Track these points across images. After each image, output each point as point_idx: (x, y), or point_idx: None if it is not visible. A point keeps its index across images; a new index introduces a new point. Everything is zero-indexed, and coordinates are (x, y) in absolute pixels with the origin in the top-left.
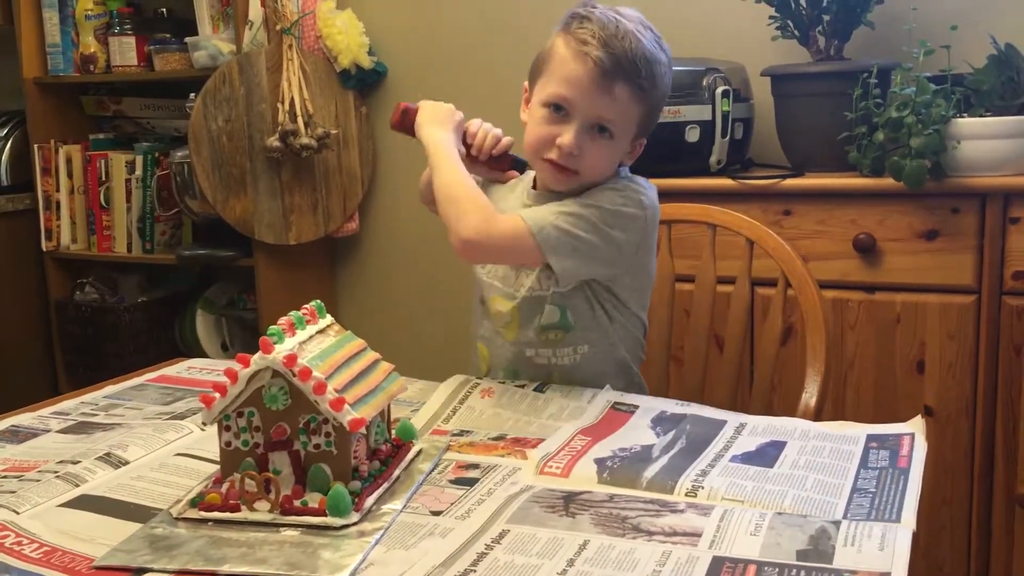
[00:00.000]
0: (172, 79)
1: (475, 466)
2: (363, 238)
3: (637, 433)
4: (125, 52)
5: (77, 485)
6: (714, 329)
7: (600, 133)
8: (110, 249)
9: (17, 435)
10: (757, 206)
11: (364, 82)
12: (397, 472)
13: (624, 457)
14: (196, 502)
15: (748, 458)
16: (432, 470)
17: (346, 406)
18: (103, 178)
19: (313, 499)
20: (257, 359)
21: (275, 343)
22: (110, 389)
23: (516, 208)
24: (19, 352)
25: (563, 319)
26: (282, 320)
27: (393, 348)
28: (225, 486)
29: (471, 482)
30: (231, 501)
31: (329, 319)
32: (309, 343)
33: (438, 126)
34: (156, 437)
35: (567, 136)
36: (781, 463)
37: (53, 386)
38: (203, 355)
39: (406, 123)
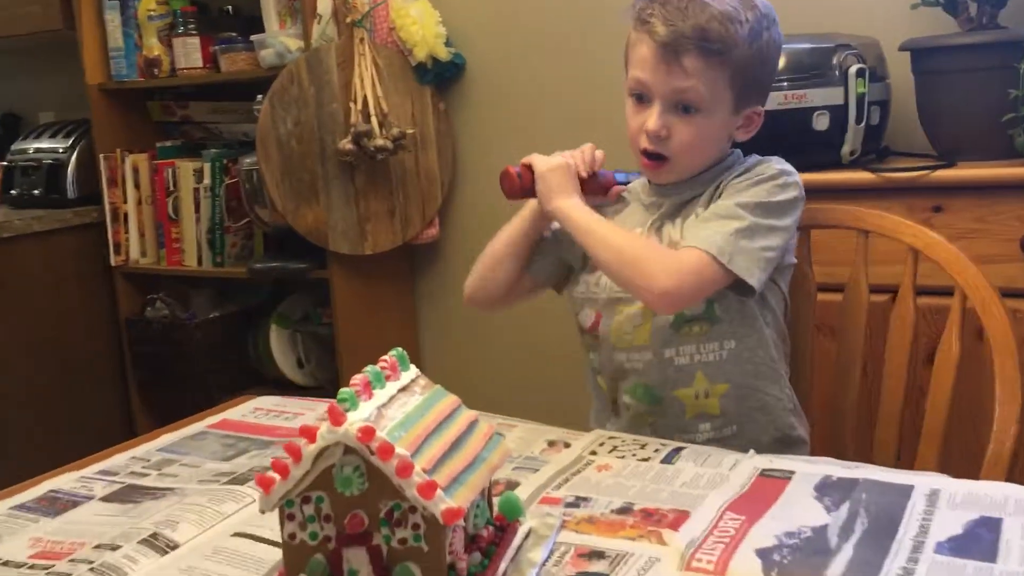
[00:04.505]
0: (239, 80)
1: (600, 554)
2: (444, 244)
3: (800, 508)
4: (190, 53)
5: None
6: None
7: (685, 111)
8: (180, 263)
9: (55, 504)
10: (901, 203)
11: (441, 76)
12: (504, 567)
13: (794, 547)
14: None
15: (958, 547)
16: (546, 561)
17: (439, 492)
18: (171, 188)
19: None
20: (325, 433)
21: (347, 410)
22: (166, 439)
23: (637, 220)
24: (91, 372)
25: (709, 310)
26: (356, 379)
27: (482, 368)
28: None
29: None
30: None
31: (413, 372)
32: (390, 407)
33: (563, 193)
34: (211, 510)
35: (651, 119)
36: (1006, 555)
37: (126, 407)
38: (278, 373)
39: (525, 185)
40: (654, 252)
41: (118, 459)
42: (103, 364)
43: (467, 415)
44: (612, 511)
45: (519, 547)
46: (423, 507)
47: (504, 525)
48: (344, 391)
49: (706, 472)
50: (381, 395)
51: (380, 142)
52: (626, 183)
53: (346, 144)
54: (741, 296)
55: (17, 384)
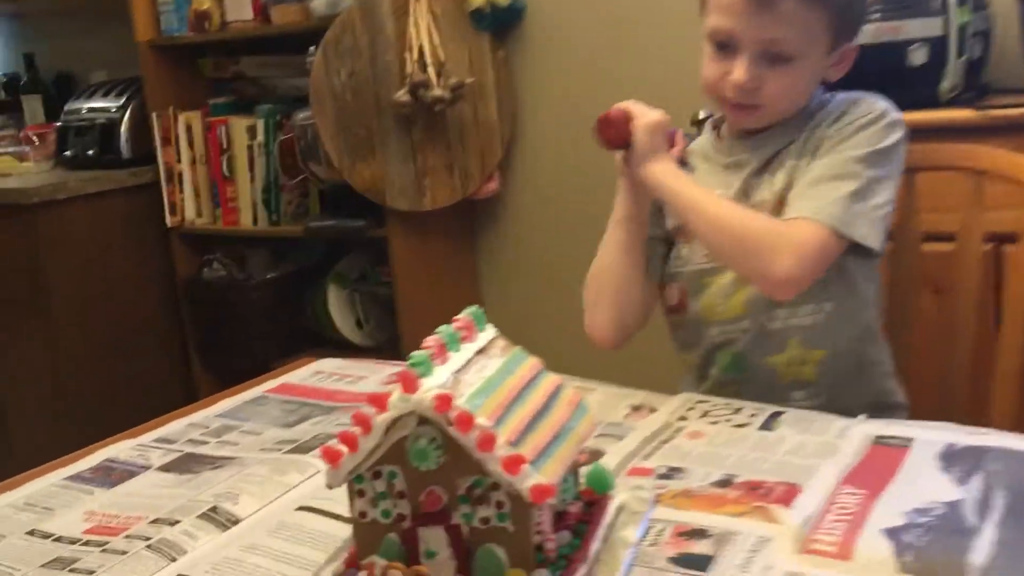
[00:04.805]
0: (291, 32)
1: (702, 533)
2: (505, 199)
3: (926, 480)
4: (240, 5)
5: (173, 559)
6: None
7: (776, 59)
8: (235, 223)
9: (111, 475)
10: (1006, 142)
11: (500, 22)
12: (595, 546)
13: (927, 526)
14: None
15: None
16: (642, 540)
17: (525, 467)
18: (224, 146)
19: None
20: (397, 402)
21: (421, 376)
22: (224, 405)
23: (717, 181)
24: (150, 334)
25: None
26: (429, 341)
27: (548, 328)
28: None
29: (702, 563)
30: None
31: (491, 332)
32: (467, 371)
33: (659, 155)
34: (273, 481)
35: (738, 72)
36: None
37: (186, 370)
38: (336, 334)
39: (622, 134)
40: (769, 229)
41: (175, 426)
42: (160, 327)
43: (550, 380)
44: (711, 484)
45: (610, 525)
46: (508, 484)
47: (593, 500)
48: (417, 355)
49: (811, 440)
50: (457, 359)
51: (437, 93)
52: (688, 143)
53: (402, 96)
54: (856, 257)
55: (73, 349)
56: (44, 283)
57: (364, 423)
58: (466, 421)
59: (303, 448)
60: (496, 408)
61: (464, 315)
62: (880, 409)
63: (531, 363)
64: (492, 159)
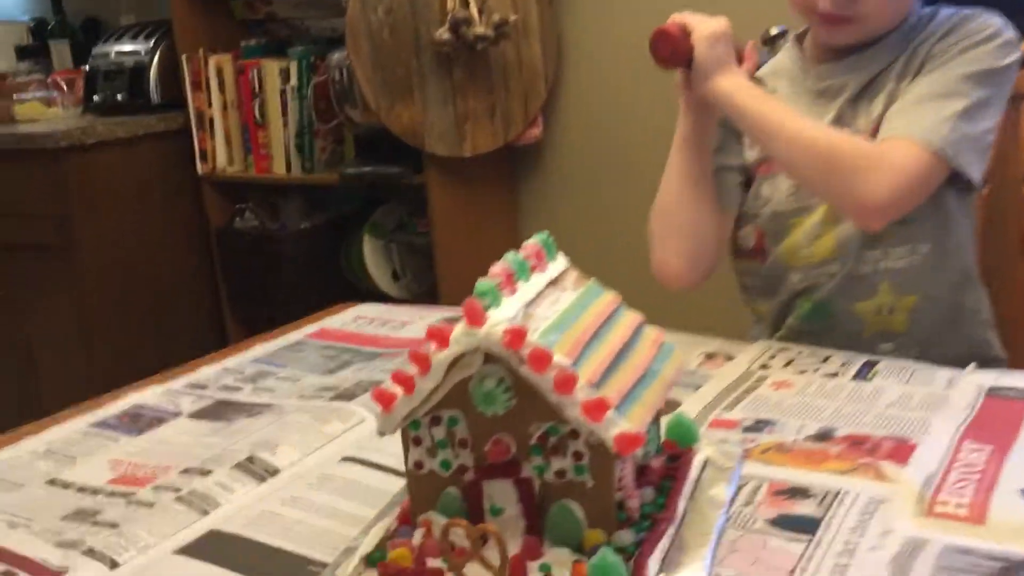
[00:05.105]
0: None
1: (803, 492)
2: (548, 145)
3: None
4: None
5: (205, 513)
6: None
7: None
8: (268, 170)
9: (139, 421)
10: None
11: None
12: (682, 505)
13: None
14: (375, 560)
15: None
16: (733, 499)
17: (609, 414)
18: (256, 90)
19: (559, 562)
20: (461, 336)
21: (487, 308)
22: (260, 349)
23: (805, 109)
24: (182, 286)
25: None
26: (496, 268)
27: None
28: (418, 536)
29: (808, 526)
30: (428, 564)
31: (562, 262)
32: (539, 304)
33: (727, 68)
34: (315, 430)
35: None
36: None
37: (219, 322)
38: (372, 286)
39: (680, 49)
40: (863, 148)
41: (207, 371)
42: (193, 277)
43: (631, 317)
44: (807, 438)
45: (696, 481)
46: (589, 432)
47: (676, 454)
48: (483, 283)
49: (916, 391)
50: (527, 290)
51: (480, 30)
52: (762, 59)
53: (443, 33)
54: (955, 191)
55: (103, 299)
56: (71, 229)
57: (422, 361)
58: (542, 359)
59: (346, 395)
60: (574, 346)
61: (533, 241)
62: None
63: (608, 298)
64: (536, 103)
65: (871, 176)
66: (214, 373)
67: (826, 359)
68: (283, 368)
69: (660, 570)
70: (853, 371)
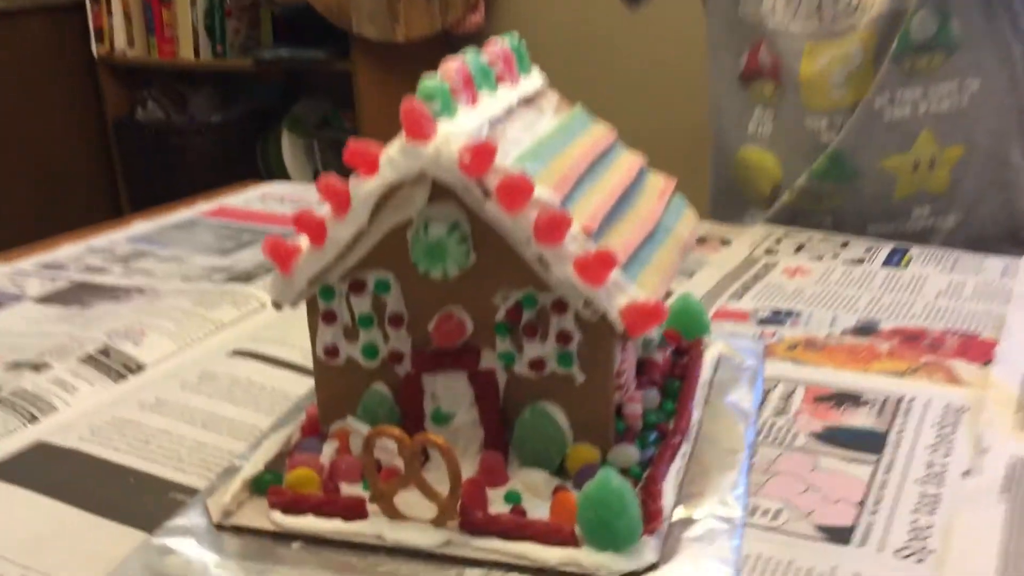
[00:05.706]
0: None
1: (854, 399)
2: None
3: None
4: None
5: (34, 419)
6: None
7: None
8: (173, 54)
9: None
10: None
11: None
12: (697, 414)
13: None
14: (264, 484)
15: None
16: (761, 405)
17: (615, 274)
18: None
19: (532, 488)
20: (397, 156)
21: (438, 115)
22: (139, 228)
23: None
24: (77, 182)
25: (943, 31)
26: (450, 68)
27: None
28: (328, 451)
29: (872, 442)
30: (340, 488)
31: (537, 78)
32: (510, 123)
33: None
34: (198, 316)
35: None
36: None
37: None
38: None
39: None
40: None
41: (68, 250)
42: (86, 173)
43: (631, 158)
44: (845, 331)
45: (709, 383)
46: (584, 301)
47: (682, 348)
48: (431, 83)
49: (967, 279)
50: (491, 103)
51: None
52: None
53: None
54: (1009, 12)
55: None
56: None
57: (337, 196)
58: (517, 191)
59: (242, 277)
60: (561, 180)
61: (499, 43)
62: (1017, 241)
63: (601, 130)
64: None
65: None
66: (76, 251)
67: (845, 245)
68: (165, 247)
69: (677, 501)
70: (883, 256)
